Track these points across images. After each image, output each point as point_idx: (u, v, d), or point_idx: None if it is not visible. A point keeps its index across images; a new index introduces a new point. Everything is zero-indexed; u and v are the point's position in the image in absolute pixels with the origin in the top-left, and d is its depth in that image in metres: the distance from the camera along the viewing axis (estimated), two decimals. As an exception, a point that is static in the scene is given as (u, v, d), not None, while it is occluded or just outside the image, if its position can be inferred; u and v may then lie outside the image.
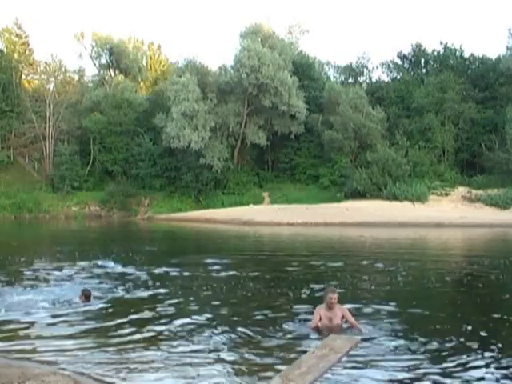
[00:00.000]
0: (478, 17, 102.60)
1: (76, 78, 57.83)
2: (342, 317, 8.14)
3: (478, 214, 38.56)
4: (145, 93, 58.02)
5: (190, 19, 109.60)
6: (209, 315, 9.41)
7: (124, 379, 6.29)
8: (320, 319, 8.14)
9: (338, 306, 8.22)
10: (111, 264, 15.63)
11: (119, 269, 14.88)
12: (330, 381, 6.09)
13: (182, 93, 44.36)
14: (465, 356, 7.16)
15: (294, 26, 55.19)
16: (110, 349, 7.45)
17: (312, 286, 12.20)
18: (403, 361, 7.00)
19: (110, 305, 10.13)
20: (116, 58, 56.07)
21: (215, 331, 8.37)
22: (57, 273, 14.01)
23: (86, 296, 10.20)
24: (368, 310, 9.67)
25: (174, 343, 7.74)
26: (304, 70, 50.62)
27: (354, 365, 6.73)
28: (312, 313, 8.50)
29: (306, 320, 8.84)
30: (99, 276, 13.55)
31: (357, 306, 9.71)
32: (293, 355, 7.02)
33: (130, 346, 7.62)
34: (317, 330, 7.99)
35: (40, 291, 11.29)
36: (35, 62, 57.30)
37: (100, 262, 15.83)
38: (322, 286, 12.44)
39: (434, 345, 7.66)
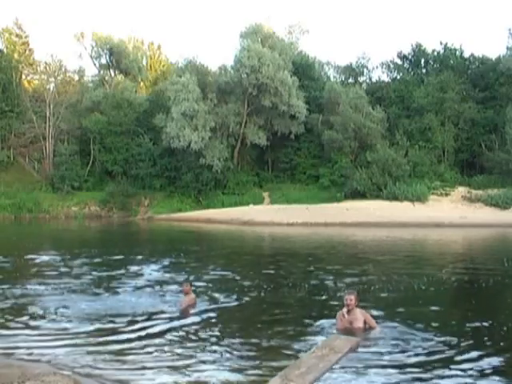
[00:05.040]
0: (478, 17, 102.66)
1: (76, 78, 57.74)
2: (365, 321, 8.13)
3: (478, 214, 38.51)
4: (145, 93, 57.95)
5: (190, 19, 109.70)
6: (217, 315, 9.43)
7: (124, 379, 6.28)
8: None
9: (360, 310, 8.24)
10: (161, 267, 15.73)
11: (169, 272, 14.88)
12: (329, 381, 6.09)
13: (182, 93, 44.30)
14: (465, 357, 7.16)
15: (294, 26, 55.12)
16: (111, 349, 7.46)
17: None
18: (403, 361, 7.00)
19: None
20: (116, 58, 56.00)
21: (216, 331, 8.37)
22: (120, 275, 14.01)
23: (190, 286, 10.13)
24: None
25: (176, 343, 7.74)
26: (304, 70, 50.56)
27: (354, 365, 6.73)
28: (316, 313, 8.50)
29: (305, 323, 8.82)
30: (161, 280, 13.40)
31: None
32: (293, 355, 7.02)
33: (131, 346, 7.62)
34: (340, 332, 7.87)
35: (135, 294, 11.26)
36: (35, 62, 57.24)
37: (153, 265, 15.86)
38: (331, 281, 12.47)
39: (435, 345, 7.65)
